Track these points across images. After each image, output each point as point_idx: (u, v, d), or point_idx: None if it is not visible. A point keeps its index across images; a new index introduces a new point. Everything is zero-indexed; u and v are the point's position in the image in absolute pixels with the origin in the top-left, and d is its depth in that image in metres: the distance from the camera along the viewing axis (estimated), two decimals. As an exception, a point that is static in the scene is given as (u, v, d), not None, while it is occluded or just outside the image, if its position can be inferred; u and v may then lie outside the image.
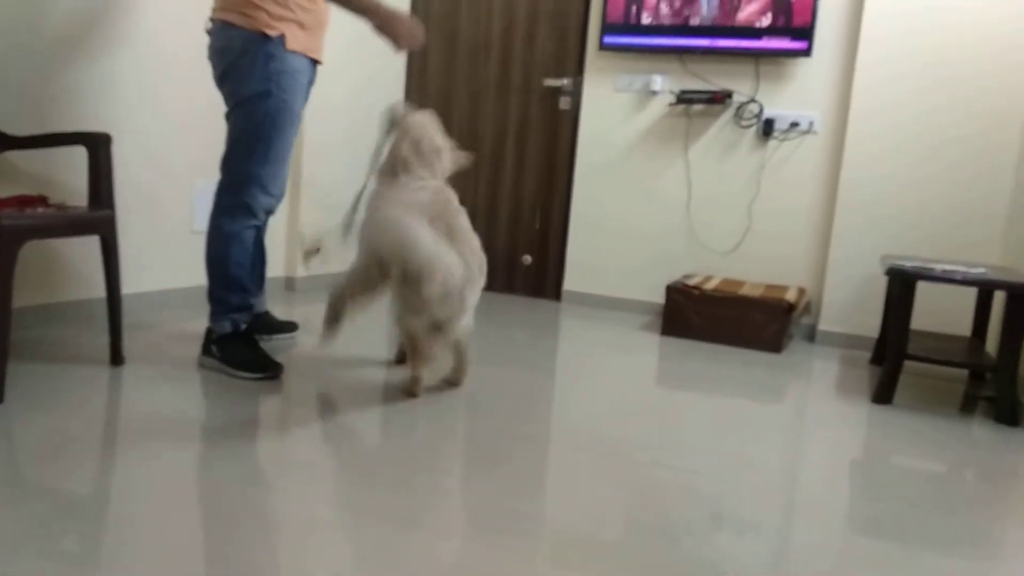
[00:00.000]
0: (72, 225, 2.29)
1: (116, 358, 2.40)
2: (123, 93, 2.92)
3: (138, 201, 3.04)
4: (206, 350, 2.50)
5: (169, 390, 2.23)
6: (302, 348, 2.84)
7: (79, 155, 2.47)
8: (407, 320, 2.29)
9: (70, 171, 2.73)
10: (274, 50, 2.32)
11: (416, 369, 2.41)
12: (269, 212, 2.53)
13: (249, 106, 2.35)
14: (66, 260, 2.81)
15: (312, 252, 3.96)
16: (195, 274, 3.31)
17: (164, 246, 3.18)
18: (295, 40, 2.36)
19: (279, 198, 2.53)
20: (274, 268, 3.78)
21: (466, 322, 2.36)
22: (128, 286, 2.98)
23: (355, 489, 1.68)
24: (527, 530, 1.55)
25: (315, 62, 2.50)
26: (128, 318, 2.88)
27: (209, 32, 2.41)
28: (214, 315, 2.48)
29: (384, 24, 2.41)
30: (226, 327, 2.46)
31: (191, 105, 3.17)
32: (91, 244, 2.40)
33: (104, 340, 2.46)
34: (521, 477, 1.82)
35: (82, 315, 2.87)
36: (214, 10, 2.38)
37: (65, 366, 2.36)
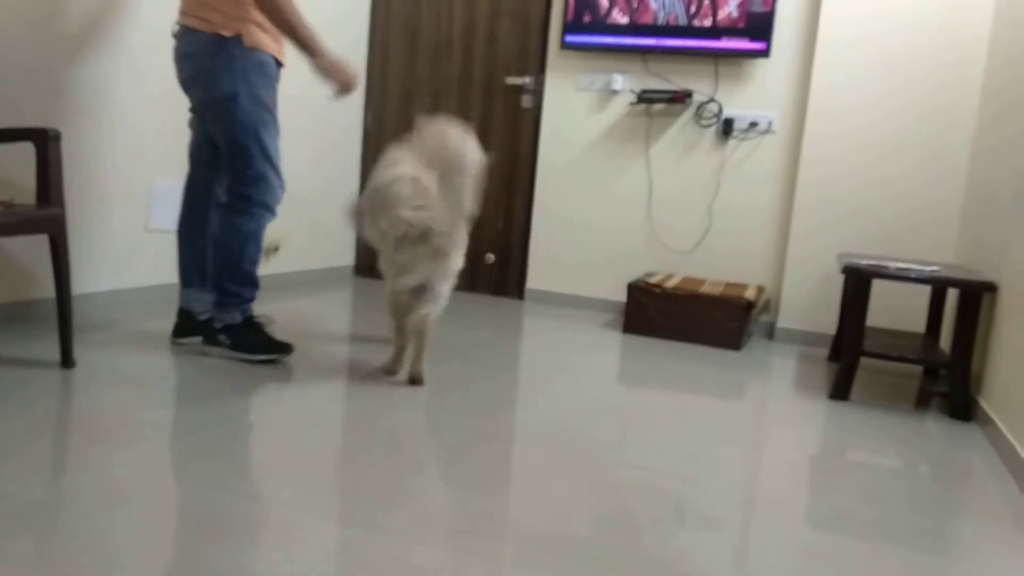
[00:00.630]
0: (19, 224, 2.22)
1: (67, 360, 2.34)
2: (76, 90, 2.84)
3: (91, 199, 2.96)
4: (212, 340, 2.61)
5: (121, 392, 2.18)
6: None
7: (30, 152, 2.40)
8: (395, 285, 2.41)
9: (20, 169, 2.65)
10: (234, 49, 2.37)
11: (401, 342, 2.55)
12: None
13: (227, 109, 2.42)
14: (14, 259, 2.72)
15: (272, 250, 3.91)
16: (151, 274, 3.25)
17: (119, 245, 3.11)
18: (252, 37, 2.40)
19: (284, 187, 2.64)
20: (232, 267, 3.72)
21: (444, 293, 2.44)
22: (81, 286, 2.91)
23: (316, 490, 1.65)
24: (491, 530, 1.54)
25: (278, 63, 2.53)
26: (81, 319, 2.82)
27: (175, 35, 2.47)
28: (225, 307, 2.57)
29: (326, 68, 2.46)
30: (237, 317, 2.58)
31: (147, 102, 3.11)
32: (41, 243, 2.33)
33: (54, 342, 2.39)
34: (484, 476, 1.81)
35: (32, 316, 2.79)
36: (180, 13, 2.45)
37: (13, 368, 2.29)
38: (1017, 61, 2.84)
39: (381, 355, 2.85)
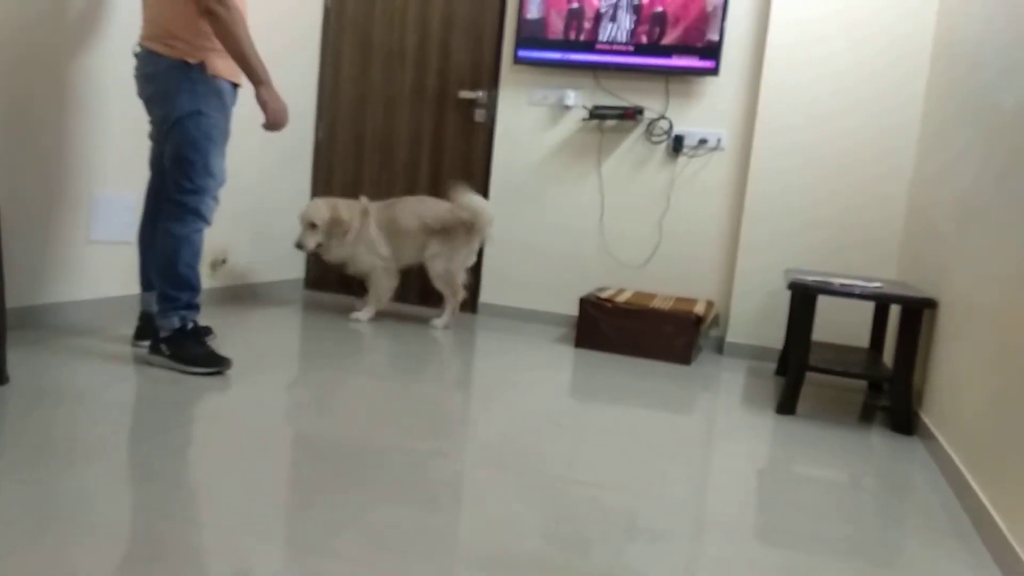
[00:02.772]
0: (-48, 234, 2.14)
1: (0, 376, 2.25)
2: (15, 99, 2.75)
3: (30, 209, 2.87)
4: (155, 349, 2.63)
5: (56, 409, 2.10)
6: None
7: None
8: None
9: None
10: (196, 76, 2.54)
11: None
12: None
13: (183, 126, 2.55)
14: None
15: (219, 263, 3.83)
16: (92, 286, 3.16)
17: (59, 257, 3.01)
18: (214, 66, 2.56)
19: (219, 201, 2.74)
20: (177, 279, 3.63)
21: None
22: (18, 299, 2.81)
23: (257, 511, 1.61)
24: (440, 549, 1.52)
25: (235, 85, 2.70)
26: (19, 333, 2.72)
27: (137, 56, 2.60)
28: (163, 312, 2.60)
29: (265, 99, 2.60)
30: (175, 322, 2.60)
31: (88, 113, 3.03)
32: (-27, 254, 2.24)
33: (-13, 357, 2.30)
34: (432, 494, 1.78)
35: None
36: (142, 37, 2.58)
37: (-58, 385, 2.20)
38: (953, 89, 2.94)
39: (325, 369, 2.81)
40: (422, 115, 4.34)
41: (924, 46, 3.46)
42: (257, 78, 2.56)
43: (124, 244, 3.21)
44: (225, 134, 2.67)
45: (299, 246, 3.70)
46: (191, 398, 2.34)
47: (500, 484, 1.90)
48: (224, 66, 2.59)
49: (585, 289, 4.06)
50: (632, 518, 1.77)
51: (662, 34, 3.78)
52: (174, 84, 2.53)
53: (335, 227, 3.68)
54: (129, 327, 2.95)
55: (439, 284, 3.80)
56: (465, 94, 4.23)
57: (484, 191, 4.25)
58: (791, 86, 3.64)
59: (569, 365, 3.31)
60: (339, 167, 4.52)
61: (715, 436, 2.53)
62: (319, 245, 3.70)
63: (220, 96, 2.61)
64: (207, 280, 3.74)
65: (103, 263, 3.19)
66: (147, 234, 2.79)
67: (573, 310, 4.03)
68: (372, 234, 3.75)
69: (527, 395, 2.76)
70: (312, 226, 3.66)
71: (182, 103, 2.53)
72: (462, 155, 4.29)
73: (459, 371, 3.05)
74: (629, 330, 3.56)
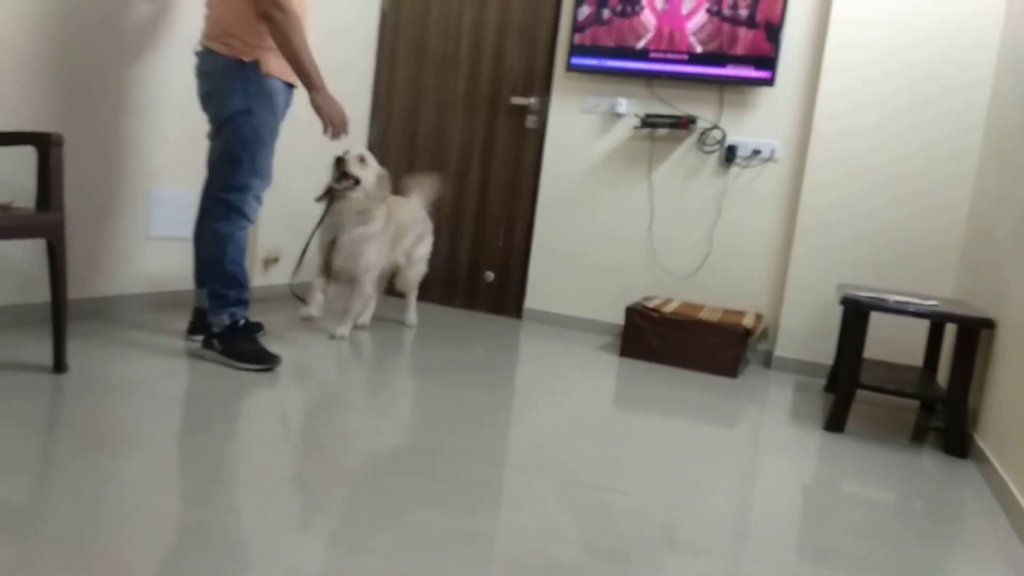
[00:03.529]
0: (18, 228, 2.22)
1: (59, 365, 2.33)
2: (80, 95, 2.85)
3: (91, 205, 2.96)
4: (207, 343, 2.68)
5: (111, 399, 2.17)
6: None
7: (31, 154, 2.39)
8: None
9: (20, 171, 2.65)
10: (251, 74, 2.57)
11: None
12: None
13: (234, 123, 2.59)
14: (12, 262, 2.72)
15: (271, 261, 3.91)
16: (148, 281, 3.25)
17: (117, 251, 3.11)
18: (269, 65, 2.60)
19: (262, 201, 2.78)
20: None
21: None
22: (78, 291, 2.90)
23: (298, 506, 1.64)
24: (478, 553, 1.52)
25: (290, 85, 2.73)
26: (77, 324, 2.81)
27: (197, 54, 2.66)
28: (213, 309, 2.66)
29: (320, 104, 2.63)
30: (225, 320, 2.65)
31: (150, 112, 3.12)
32: (40, 246, 2.33)
33: (48, 346, 2.38)
34: (473, 498, 1.79)
35: (27, 319, 2.78)
36: (203, 36, 2.65)
37: (4, 372, 2.28)
38: (1018, 103, 2.85)
39: (372, 370, 2.84)
40: (474, 120, 4.37)
41: (988, 59, 3.37)
42: (311, 83, 2.60)
43: (180, 240, 3.30)
44: (274, 133, 2.70)
45: (335, 182, 3.15)
46: (240, 393, 2.39)
47: (541, 491, 1.90)
48: (278, 65, 2.62)
49: (632, 298, 4.03)
50: (673, 531, 1.75)
51: (718, 43, 3.75)
52: (227, 82, 2.58)
53: (372, 197, 3.21)
54: (183, 321, 3.02)
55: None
56: (517, 100, 4.24)
57: (533, 197, 4.26)
58: (848, 97, 3.57)
59: (613, 374, 3.29)
60: (391, 171, 4.56)
61: (760, 451, 2.49)
62: (351, 185, 3.14)
63: (272, 95, 2.64)
64: (259, 278, 3.82)
65: (160, 258, 3.28)
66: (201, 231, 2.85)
67: (619, 319, 4.00)
68: (389, 232, 3.40)
69: (572, 403, 2.75)
70: (362, 161, 3.21)
71: (234, 101, 2.57)
72: (512, 161, 4.31)
73: (502, 376, 3.05)
74: (675, 341, 3.52)
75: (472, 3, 4.32)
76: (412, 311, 3.81)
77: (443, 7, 4.38)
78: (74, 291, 2.83)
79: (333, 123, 2.66)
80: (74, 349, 2.51)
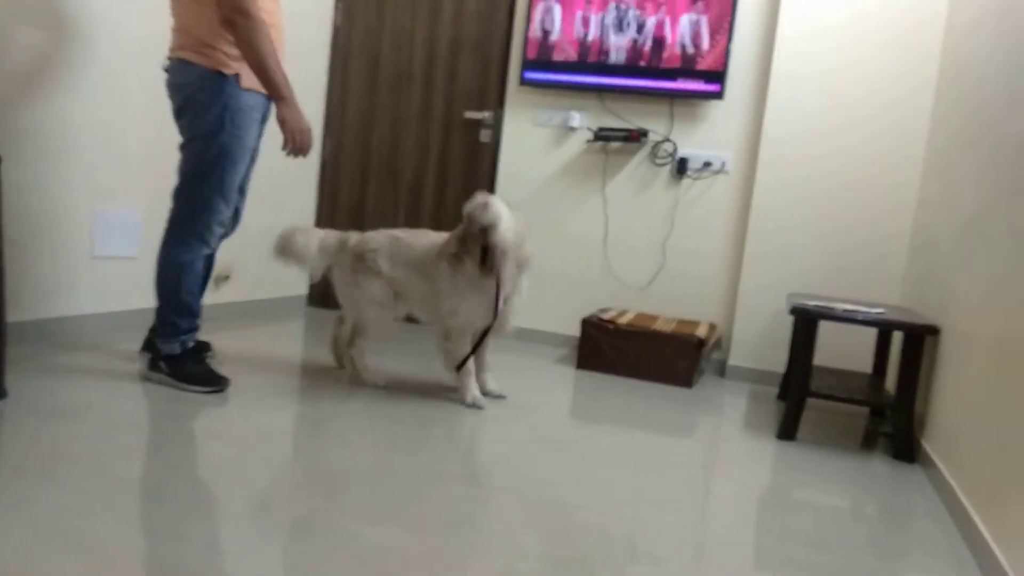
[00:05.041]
0: (-45, 248, 2.15)
1: (-1, 390, 2.26)
2: (17, 115, 2.78)
3: (34, 225, 2.88)
4: (153, 365, 2.61)
5: (53, 424, 2.10)
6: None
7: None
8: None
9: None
10: (229, 88, 2.45)
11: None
12: (223, 237, 2.68)
13: (204, 140, 2.47)
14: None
15: (223, 278, 3.84)
16: (95, 301, 3.17)
17: (61, 273, 3.03)
18: (249, 78, 2.47)
19: (231, 226, 2.70)
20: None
21: None
22: (19, 313, 2.82)
23: (248, 531, 1.60)
24: (434, 572, 1.50)
25: (270, 98, 2.55)
26: (18, 348, 2.73)
27: (167, 70, 2.52)
28: (164, 336, 2.59)
29: (288, 116, 2.47)
30: (175, 348, 2.59)
31: (92, 130, 3.05)
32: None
33: (-13, 371, 2.30)
34: (433, 516, 1.77)
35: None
36: (172, 49, 2.50)
37: (-59, 399, 2.20)
38: (958, 115, 2.94)
39: (325, 388, 2.81)
40: (428, 135, 4.36)
41: (930, 73, 3.46)
42: (279, 94, 2.46)
43: (127, 260, 3.23)
44: (245, 152, 2.57)
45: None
46: (188, 415, 2.34)
47: (500, 506, 1.89)
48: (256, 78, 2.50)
49: (588, 310, 4.05)
50: (633, 542, 1.75)
51: (668, 58, 3.80)
52: (205, 95, 2.44)
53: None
54: (129, 342, 2.96)
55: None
56: (471, 114, 4.25)
57: (488, 211, 4.25)
58: (796, 110, 3.65)
59: (570, 386, 3.29)
60: (345, 186, 4.54)
61: (716, 461, 2.51)
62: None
63: (249, 112, 2.51)
64: (210, 296, 3.75)
65: (106, 279, 3.20)
66: None
67: (575, 331, 4.02)
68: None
69: (528, 416, 2.75)
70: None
71: (209, 116, 2.44)
72: (467, 175, 4.31)
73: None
74: (631, 352, 3.54)
75: (425, 18, 4.32)
76: None
77: (396, 22, 4.37)
78: (15, 314, 2.76)
79: (294, 140, 2.50)
80: (16, 373, 2.44)
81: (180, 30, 2.48)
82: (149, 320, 2.78)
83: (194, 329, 2.64)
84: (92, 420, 2.18)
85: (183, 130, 2.53)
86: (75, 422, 2.15)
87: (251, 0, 2.36)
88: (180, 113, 2.52)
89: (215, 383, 2.60)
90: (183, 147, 2.53)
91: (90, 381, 2.54)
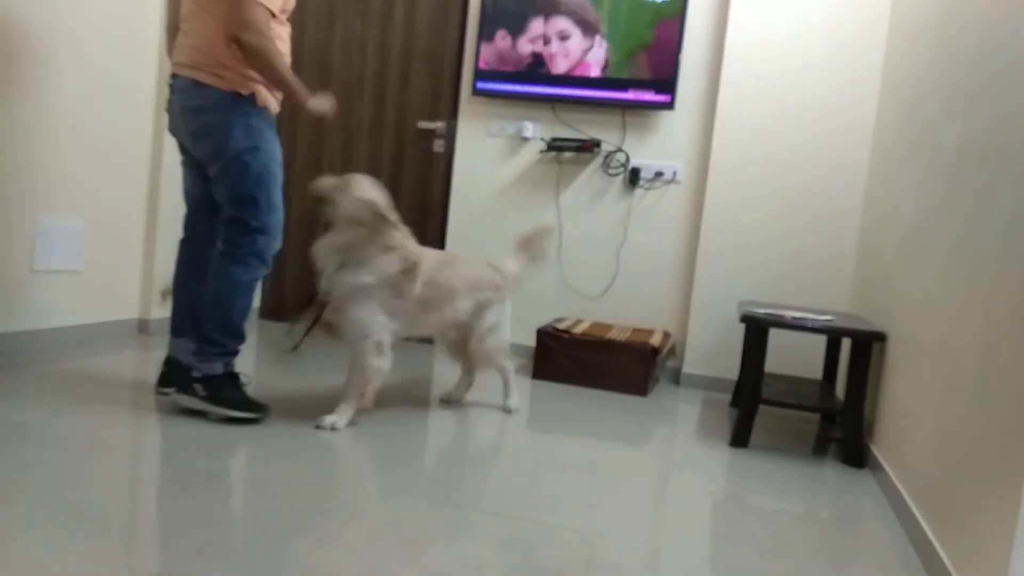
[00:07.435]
0: None
1: (-68, 411, 2.17)
2: (-46, 120, 2.69)
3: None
4: (186, 388, 2.45)
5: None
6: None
7: None
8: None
9: None
10: (249, 108, 2.42)
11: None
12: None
13: (240, 162, 2.40)
14: None
15: (169, 292, 3.75)
16: (36, 317, 3.07)
17: (0, 286, 2.93)
18: (263, 97, 2.45)
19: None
20: (125, 310, 3.56)
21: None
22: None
23: (194, 551, 1.56)
24: (381, 593, 1.48)
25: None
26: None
27: (175, 87, 2.45)
28: (205, 355, 2.44)
29: (317, 107, 2.52)
30: (218, 368, 2.45)
31: (33, 138, 2.96)
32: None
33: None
34: (385, 533, 1.75)
35: None
36: (179, 65, 2.43)
37: None
38: (900, 126, 3.01)
39: (274, 407, 2.76)
40: (381, 145, 4.33)
41: (874, 81, 3.55)
42: (301, 98, 2.45)
43: (70, 273, 3.14)
44: (280, 164, 2.54)
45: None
46: (133, 437, 2.27)
47: (456, 519, 1.86)
48: (267, 95, 2.48)
49: (543, 320, 4.05)
50: (589, 551, 1.74)
51: (618, 68, 3.83)
52: (225, 118, 2.38)
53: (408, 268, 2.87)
54: (69, 360, 2.87)
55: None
56: (424, 124, 4.23)
57: (442, 221, 4.24)
58: (745, 120, 3.70)
59: (526, 396, 3.28)
60: (296, 196, 4.48)
61: (671, 469, 2.52)
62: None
63: (272, 127, 2.51)
64: (159, 310, 3.67)
65: (47, 293, 3.10)
66: (185, 278, 2.64)
67: (531, 341, 4.01)
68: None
69: (483, 428, 2.73)
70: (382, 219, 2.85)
71: (237, 138, 2.39)
72: (421, 185, 4.28)
73: (414, 403, 3.01)
74: (586, 361, 3.55)
75: (376, 27, 4.29)
76: (511, 393, 3.07)
77: (346, 30, 4.34)
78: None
79: (328, 116, 2.58)
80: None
81: (190, 47, 2.40)
82: (93, 336, 2.72)
83: (237, 352, 2.51)
84: (27, 441, 2.11)
85: (208, 157, 2.45)
86: (10, 442, 2.07)
87: (260, 18, 2.29)
88: (198, 137, 2.45)
89: (256, 409, 2.48)
90: (216, 174, 2.45)
91: (27, 401, 2.46)
